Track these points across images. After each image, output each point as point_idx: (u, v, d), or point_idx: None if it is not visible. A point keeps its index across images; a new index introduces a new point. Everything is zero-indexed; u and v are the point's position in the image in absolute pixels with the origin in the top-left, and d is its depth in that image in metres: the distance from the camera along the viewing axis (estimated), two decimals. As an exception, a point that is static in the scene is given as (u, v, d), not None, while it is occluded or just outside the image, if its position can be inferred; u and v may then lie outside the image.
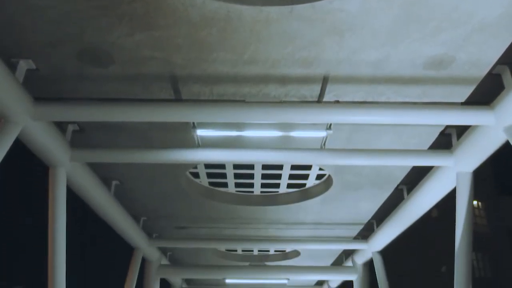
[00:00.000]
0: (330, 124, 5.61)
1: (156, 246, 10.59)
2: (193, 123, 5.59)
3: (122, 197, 8.13)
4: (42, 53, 4.50)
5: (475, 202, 28.41)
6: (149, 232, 10.19)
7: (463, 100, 5.17)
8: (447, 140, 5.98)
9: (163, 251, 11.83)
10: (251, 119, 5.25)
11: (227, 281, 12.13)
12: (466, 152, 5.55)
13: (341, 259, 12.59)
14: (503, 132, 4.75)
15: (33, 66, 4.65)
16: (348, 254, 12.02)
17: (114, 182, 7.65)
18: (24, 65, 4.61)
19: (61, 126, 5.81)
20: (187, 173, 7.79)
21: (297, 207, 8.64)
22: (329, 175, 7.63)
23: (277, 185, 8.43)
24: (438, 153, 5.90)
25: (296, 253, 12.47)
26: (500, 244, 27.26)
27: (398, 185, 7.72)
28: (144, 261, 10.96)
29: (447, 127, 5.78)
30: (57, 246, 5.92)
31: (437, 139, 6.11)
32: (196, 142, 5.95)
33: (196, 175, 8.02)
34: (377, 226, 9.38)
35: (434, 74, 4.75)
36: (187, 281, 15.28)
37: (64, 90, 5.14)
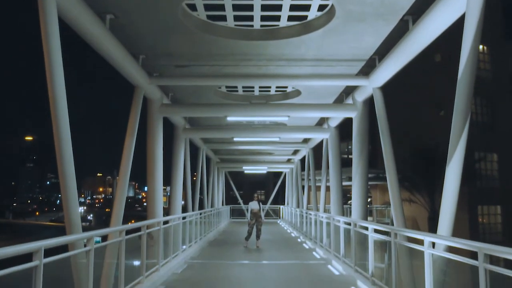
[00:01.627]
0: None
1: (157, 84, 11.06)
2: None
3: (119, 33, 8.24)
4: None
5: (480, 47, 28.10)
6: (150, 71, 10.56)
7: None
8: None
9: (165, 91, 12.43)
10: None
11: (229, 118, 12.96)
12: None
13: (342, 99, 13.27)
14: None
15: None
16: (348, 93, 12.61)
17: (108, 16, 7.68)
18: None
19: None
20: (183, 4, 7.71)
21: (298, 41, 8.77)
22: (332, 5, 7.56)
23: (278, 18, 8.41)
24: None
25: (297, 93, 13.06)
26: (500, 90, 28.07)
27: (403, 16, 7.71)
28: (146, 101, 11.65)
29: None
30: (56, 83, 6.20)
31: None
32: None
33: (193, 7, 7.95)
34: (379, 62, 9.65)
35: None
36: (190, 122, 16.40)
37: None
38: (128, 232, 7.46)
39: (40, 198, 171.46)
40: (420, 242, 5.59)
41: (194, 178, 20.41)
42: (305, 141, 20.75)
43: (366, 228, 8.06)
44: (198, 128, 17.29)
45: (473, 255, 4.33)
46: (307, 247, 14.43)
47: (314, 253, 12.78)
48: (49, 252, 4.26)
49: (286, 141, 21.26)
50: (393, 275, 6.31)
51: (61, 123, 6.23)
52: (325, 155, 16.54)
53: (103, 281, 7.11)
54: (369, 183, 12.79)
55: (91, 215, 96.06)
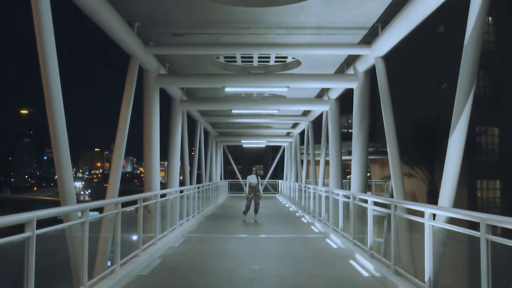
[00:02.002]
0: None
1: (153, 53, 10.80)
2: None
3: (111, -1, 7.97)
4: None
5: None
6: (146, 40, 10.29)
7: None
8: None
9: (162, 62, 12.17)
10: None
11: (227, 89, 12.74)
12: None
13: (342, 70, 13.03)
14: None
15: None
16: (349, 63, 12.37)
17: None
18: None
19: None
20: (178, -32, 7.42)
21: (298, 8, 8.49)
22: (334, -31, 7.28)
23: (277, -17, 8.12)
24: None
25: (296, 63, 12.81)
26: (503, 63, 27.69)
27: (409, -21, 7.44)
28: (142, 71, 11.43)
29: None
30: (47, 53, 6.01)
31: None
32: None
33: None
34: (382, 30, 9.39)
35: None
36: (187, 94, 16.17)
37: None
38: (124, 205, 7.42)
39: (38, 173, 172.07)
40: (420, 215, 5.54)
41: (192, 154, 20.32)
42: (305, 114, 20.57)
43: (366, 201, 8.02)
44: (195, 100, 17.06)
45: (473, 227, 4.29)
46: (305, 221, 14.48)
47: (312, 227, 12.83)
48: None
49: (285, 114, 21.10)
50: (392, 248, 6.29)
51: (53, 94, 6.11)
52: (324, 128, 16.40)
53: (99, 255, 7.11)
54: (368, 157, 12.76)
55: (89, 191, 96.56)
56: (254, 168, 14.77)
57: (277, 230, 12.19)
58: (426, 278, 5.10)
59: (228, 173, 41.99)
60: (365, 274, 6.83)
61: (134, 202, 7.60)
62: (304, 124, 21.58)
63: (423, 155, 24.36)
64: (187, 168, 17.25)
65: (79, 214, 5.30)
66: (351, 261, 7.74)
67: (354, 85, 11.78)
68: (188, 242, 9.95)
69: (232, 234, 11.36)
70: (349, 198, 9.41)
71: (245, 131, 27.54)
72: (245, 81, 12.33)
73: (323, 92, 16.00)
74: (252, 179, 14.33)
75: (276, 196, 31.09)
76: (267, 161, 51.00)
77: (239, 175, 36.20)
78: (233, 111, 17.43)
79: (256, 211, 14.26)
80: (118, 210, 6.38)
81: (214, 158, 27.84)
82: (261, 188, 14.66)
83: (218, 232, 11.80)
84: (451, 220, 5.15)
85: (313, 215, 14.10)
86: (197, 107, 17.35)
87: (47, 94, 6.08)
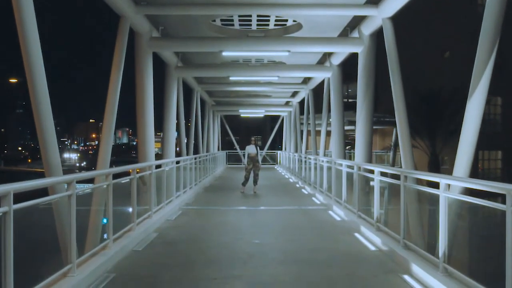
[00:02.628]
0: None
1: (145, 14, 10.12)
2: None
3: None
4: None
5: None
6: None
7: None
8: None
9: (154, 24, 11.53)
10: None
11: (224, 53, 12.14)
12: None
13: (346, 34, 12.42)
14: None
15: None
16: (353, 26, 11.76)
17: None
18: None
19: None
20: None
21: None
22: None
23: None
24: None
25: (297, 27, 12.18)
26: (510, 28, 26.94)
27: None
28: (134, 34, 10.83)
29: None
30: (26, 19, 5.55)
31: None
32: None
33: None
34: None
35: None
36: (183, 60, 15.57)
37: None
38: (117, 177, 7.08)
39: (32, 145, 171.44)
40: (431, 186, 5.21)
41: (189, 124, 19.86)
42: (305, 82, 20.01)
43: (372, 172, 7.70)
44: (191, 66, 16.38)
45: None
46: (306, 192, 14.23)
47: (313, 198, 12.58)
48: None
49: (284, 82, 20.56)
50: (402, 221, 5.98)
51: (33, 60, 5.69)
52: (326, 96, 15.92)
53: (90, 230, 6.82)
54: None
55: (84, 162, 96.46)
56: (253, 138, 14.39)
57: (277, 202, 11.93)
58: (440, 253, 4.79)
59: (226, 144, 41.68)
60: (372, 247, 6.56)
61: (127, 174, 7.28)
62: (304, 93, 21.06)
63: (425, 126, 24.02)
64: (184, 138, 16.86)
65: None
66: (356, 234, 7.48)
67: (359, 49, 11.22)
68: (185, 215, 9.67)
69: (230, 206, 11.09)
70: (353, 168, 9.10)
71: (243, 100, 27.00)
72: (243, 45, 11.71)
73: (324, 59, 15.43)
74: (251, 149, 13.98)
75: (275, 167, 30.89)
76: (265, 131, 50.66)
77: (237, 146, 35.90)
78: (230, 78, 16.82)
79: (255, 182, 13.98)
80: (109, 182, 6.01)
81: (211, 128, 27.40)
82: (260, 159, 14.33)
83: (216, 204, 11.54)
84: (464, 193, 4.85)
85: (314, 186, 13.83)
86: (193, 73, 16.71)
87: (26, 61, 5.67)
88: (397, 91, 8.84)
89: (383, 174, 7.22)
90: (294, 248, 6.60)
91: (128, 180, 7.20)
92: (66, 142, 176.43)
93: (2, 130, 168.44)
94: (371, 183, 7.87)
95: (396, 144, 28.02)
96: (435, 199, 4.99)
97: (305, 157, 16.58)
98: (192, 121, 19.49)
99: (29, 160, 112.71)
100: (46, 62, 6.02)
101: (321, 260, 5.89)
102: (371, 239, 6.98)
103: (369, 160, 11.01)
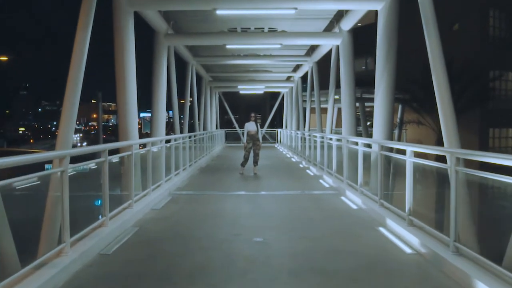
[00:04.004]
0: None
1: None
2: None
3: None
4: None
5: None
6: None
7: None
8: None
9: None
10: None
11: (218, 12, 10.16)
12: None
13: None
14: None
15: None
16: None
17: None
18: None
19: None
20: None
21: None
22: None
23: None
24: None
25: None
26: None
27: None
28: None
29: None
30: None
31: None
32: None
33: None
34: None
35: None
36: (174, 28, 13.74)
37: None
38: (84, 159, 5.54)
39: (35, 126, 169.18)
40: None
41: (182, 102, 18.10)
42: (308, 54, 18.15)
43: (400, 152, 6.11)
44: (183, 34, 14.49)
45: None
46: (311, 174, 12.64)
47: (321, 181, 10.99)
48: None
49: (286, 54, 18.73)
50: (452, 216, 4.38)
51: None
52: (333, 68, 14.10)
53: (45, 226, 5.32)
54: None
55: (85, 143, 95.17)
56: (252, 114, 12.67)
57: (280, 186, 10.33)
58: None
59: (224, 123, 40.00)
60: (407, 250, 4.96)
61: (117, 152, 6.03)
62: (308, 66, 19.22)
63: (434, 102, 22.26)
64: (177, 116, 15.17)
65: None
66: (382, 229, 5.90)
67: (379, 5, 9.30)
68: (175, 202, 8.11)
69: (228, 191, 9.51)
70: (370, 147, 7.51)
71: (241, 75, 25.19)
72: (241, 1, 9.79)
73: (332, 26, 13.60)
74: (250, 126, 12.32)
75: (276, 146, 29.25)
76: (265, 109, 48.94)
77: (236, 124, 34.22)
78: (227, 47, 14.83)
79: (255, 162, 12.39)
80: (63, 167, 4.38)
81: (208, 106, 25.59)
82: (260, 137, 12.67)
83: (212, 188, 9.96)
84: None
85: (321, 167, 12.23)
86: (186, 41, 14.74)
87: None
88: (436, 57, 7.16)
89: (418, 155, 5.61)
90: (306, 250, 5.03)
91: (94, 164, 5.60)
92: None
93: (7, 111, 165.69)
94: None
95: (402, 122, 26.33)
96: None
97: (309, 135, 14.91)
98: (186, 97, 17.71)
99: (32, 141, 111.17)
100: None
101: (344, 270, 4.32)
102: (403, 237, 5.40)
103: (390, 138, 9.35)
